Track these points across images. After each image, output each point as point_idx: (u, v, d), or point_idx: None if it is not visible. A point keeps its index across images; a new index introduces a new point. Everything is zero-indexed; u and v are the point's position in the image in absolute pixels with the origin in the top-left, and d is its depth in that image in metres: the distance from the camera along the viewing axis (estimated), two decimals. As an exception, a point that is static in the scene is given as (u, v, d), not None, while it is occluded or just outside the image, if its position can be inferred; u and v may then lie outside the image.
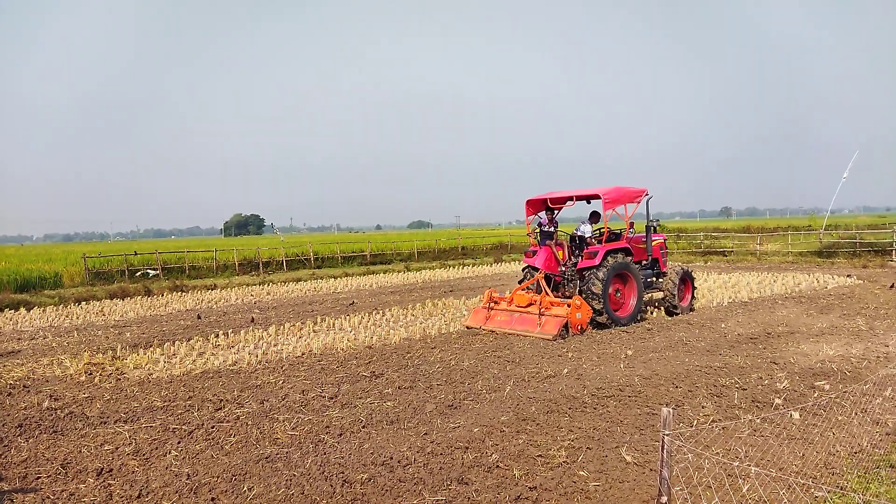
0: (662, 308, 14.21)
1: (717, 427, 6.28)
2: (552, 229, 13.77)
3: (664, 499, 3.44)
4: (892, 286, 17.36)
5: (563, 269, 13.44)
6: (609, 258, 12.44)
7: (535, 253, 13.40)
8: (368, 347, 11.12)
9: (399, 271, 28.89)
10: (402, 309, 15.71)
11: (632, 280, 12.87)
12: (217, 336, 12.61)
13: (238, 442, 6.45)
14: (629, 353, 9.93)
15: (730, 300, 15.65)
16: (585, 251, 12.80)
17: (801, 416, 6.56)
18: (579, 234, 13.52)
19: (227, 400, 7.99)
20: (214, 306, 18.33)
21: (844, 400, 6.92)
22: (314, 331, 13.09)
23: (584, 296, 12.14)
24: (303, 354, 10.69)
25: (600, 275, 12.09)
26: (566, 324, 11.49)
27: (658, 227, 14.65)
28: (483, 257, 36.91)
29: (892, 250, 26.98)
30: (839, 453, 5.60)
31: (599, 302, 12.00)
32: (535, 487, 5.12)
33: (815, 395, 7.35)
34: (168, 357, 10.87)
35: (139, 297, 21.08)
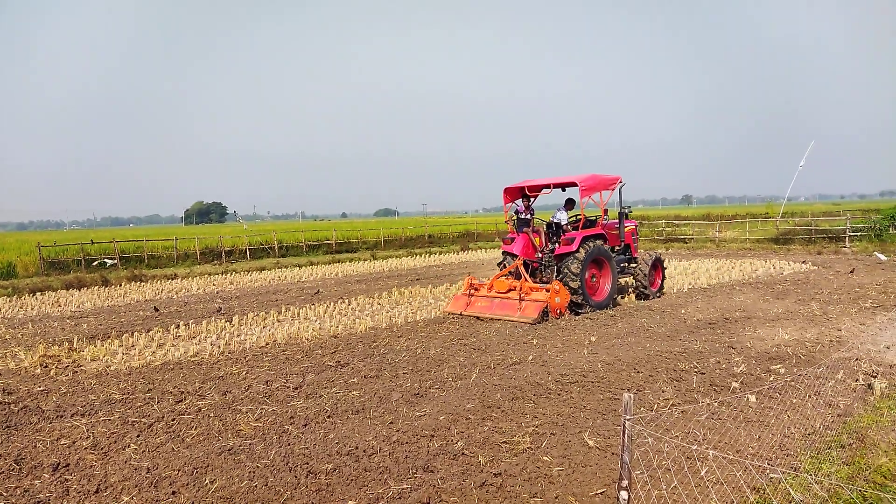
0: (633, 292, 14.62)
1: (676, 411, 6.43)
2: (529, 216, 14.02)
3: (625, 483, 3.50)
4: (851, 271, 17.95)
5: (541, 255, 13.75)
6: (586, 244, 12.72)
7: (513, 240, 13.65)
8: (334, 337, 11.04)
9: (365, 260, 28.73)
10: (368, 298, 15.64)
11: (607, 265, 13.23)
12: (178, 327, 12.37)
13: (199, 434, 6.35)
14: (593, 339, 10.08)
15: (690, 286, 16.00)
16: (563, 237, 13.09)
17: (757, 399, 6.76)
18: (556, 221, 13.81)
19: (188, 392, 7.85)
20: (175, 296, 17.96)
21: (799, 383, 7.15)
22: (278, 320, 12.94)
23: (562, 281, 12.41)
24: (267, 345, 10.56)
25: (576, 261, 12.39)
26: (546, 308, 11.81)
27: (629, 214, 15.00)
28: (450, 245, 36.96)
29: (845, 237, 27.92)
30: (793, 435, 5.79)
31: (577, 287, 12.31)
32: (500, 474, 5.17)
33: (771, 379, 7.57)
34: (126, 349, 10.61)
35: (96, 288, 20.50)
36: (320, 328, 11.71)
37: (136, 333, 11.74)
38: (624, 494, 3.56)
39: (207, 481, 5.19)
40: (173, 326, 12.37)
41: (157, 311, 14.81)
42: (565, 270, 12.49)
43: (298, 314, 13.55)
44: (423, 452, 5.65)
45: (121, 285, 20.96)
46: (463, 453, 5.61)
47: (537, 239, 13.98)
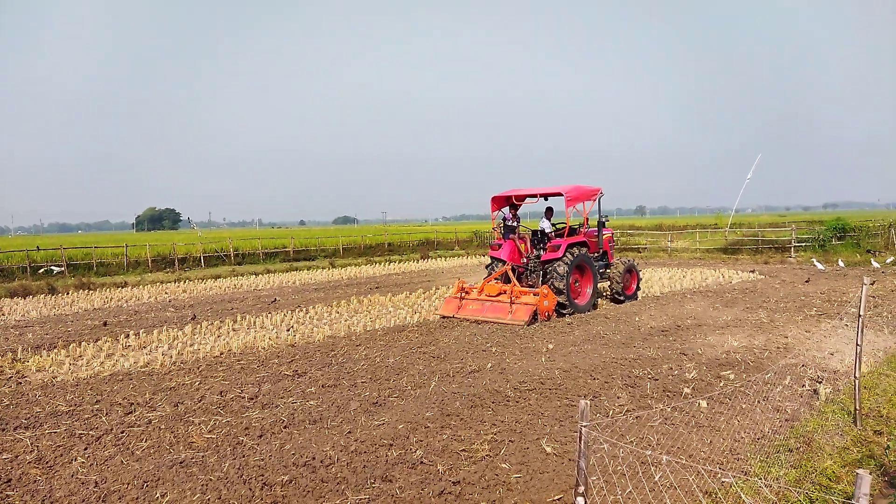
0: (609, 296, 15.50)
1: (631, 417, 6.55)
2: (515, 224, 14.74)
3: (581, 489, 3.55)
4: (807, 281, 18.60)
5: (526, 260, 14.41)
6: (571, 251, 13.49)
7: (500, 246, 14.26)
8: (291, 346, 10.89)
9: (323, 268, 28.43)
10: (326, 306, 15.47)
11: (589, 271, 14.08)
12: (128, 336, 11.99)
13: (150, 447, 6.16)
14: (550, 346, 10.20)
15: (643, 294, 16.35)
16: (549, 244, 13.81)
17: (708, 404, 6.94)
18: (541, 228, 14.66)
19: (138, 403, 7.61)
20: (125, 305, 17.42)
21: (748, 389, 7.37)
22: (233, 329, 12.68)
23: (549, 285, 13.10)
24: (221, 354, 10.34)
25: (562, 267, 13.15)
26: (535, 311, 12.39)
27: (606, 223, 15.73)
28: (410, 253, 36.87)
29: (790, 247, 29.00)
30: (743, 439, 5.97)
31: (563, 291, 13.05)
32: (459, 482, 5.17)
33: (721, 385, 7.80)
34: (74, 359, 10.24)
35: (42, 296, 19.73)
36: (277, 337, 11.52)
37: (83, 343, 11.35)
38: (580, 501, 3.61)
39: (158, 495, 5.04)
40: (123, 336, 11.99)
41: (106, 326, 14.00)
42: (552, 275, 13.17)
43: (255, 323, 13.31)
44: (381, 462, 5.61)
45: (68, 293, 20.22)
46: (422, 462, 5.60)
47: (523, 245, 14.62)
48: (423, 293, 17.31)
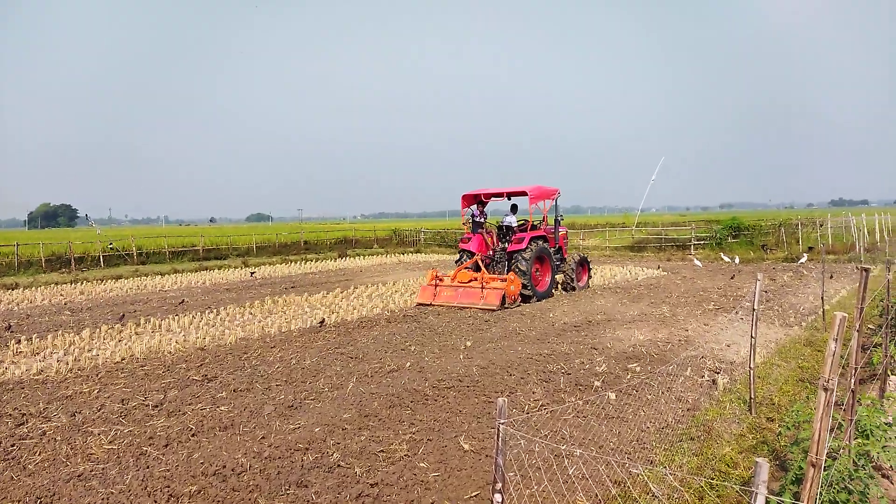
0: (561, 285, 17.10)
1: (546, 411, 6.72)
2: (483, 220, 16.41)
3: (499, 485, 3.59)
4: (732, 277, 19.68)
5: (492, 252, 16.21)
6: (533, 244, 15.19)
7: (469, 239, 16.01)
8: (200, 349, 10.42)
9: (236, 267, 27.41)
10: (238, 307, 14.93)
11: (548, 262, 16.00)
12: (19, 342, 11.08)
13: (44, 460, 5.72)
14: (468, 344, 10.31)
15: (557, 292, 16.84)
16: (514, 237, 15.65)
17: (616, 396, 7.23)
18: (506, 223, 16.55)
19: (30, 414, 7.05)
20: (16, 308, 16.10)
21: (653, 380, 7.74)
22: (136, 333, 11.99)
23: (515, 271, 14.79)
24: (123, 360, 9.75)
25: (526, 256, 14.89)
26: (504, 295, 14.00)
27: (562, 221, 17.42)
28: (327, 252, 36.23)
29: (691, 245, 30.76)
30: (649, 429, 6.25)
31: (527, 277, 14.73)
32: (377, 483, 5.12)
33: (629, 377, 8.15)
34: (-48, 369, 9.35)
35: (-86, 300, 17.91)
36: (185, 340, 11.00)
37: (-36, 351, 10.38)
38: (498, 497, 3.65)
39: (51, 514, 4.68)
40: (14, 342, 11.07)
41: (11, 331, 12.78)
42: (517, 264, 14.84)
43: (160, 326, 12.64)
44: (296, 467, 5.47)
45: (-54, 297, 18.44)
46: (339, 465, 5.50)
47: (489, 238, 16.42)
48: (342, 293, 17.06)
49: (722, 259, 25.76)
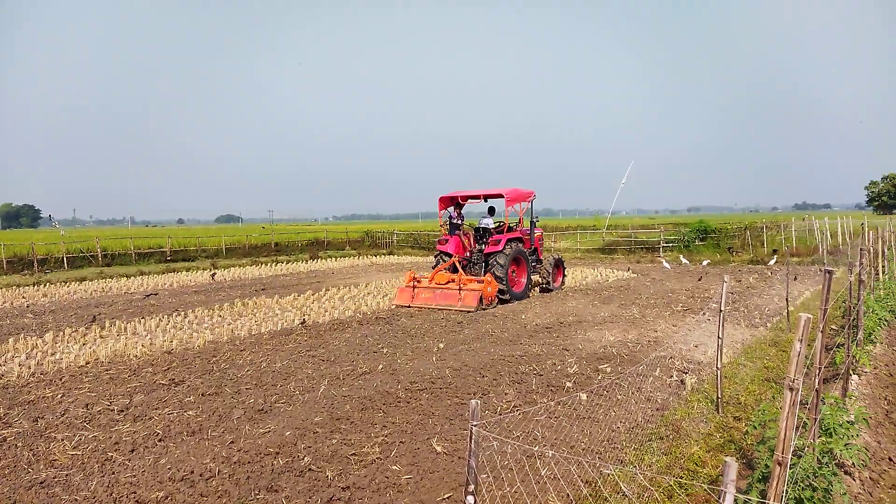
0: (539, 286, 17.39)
1: (518, 413, 6.74)
2: (460, 222, 16.54)
3: (472, 487, 3.59)
4: (699, 279, 19.98)
5: (469, 253, 16.31)
6: (509, 245, 15.36)
7: (446, 241, 16.03)
8: (167, 353, 10.22)
9: (204, 269, 26.95)
10: (207, 310, 14.68)
11: (524, 263, 16.18)
12: (-25, 347, 10.72)
13: (5, 467, 5.55)
14: (441, 346, 10.29)
15: (532, 293, 16.93)
16: (491, 239, 15.80)
17: (587, 397, 7.29)
18: (483, 225, 16.64)
19: (-13, 421, 6.83)
20: (-28, 311, 15.59)
21: (623, 381, 7.82)
22: (101, 336, 11.70)
23: (492, 273, 14.93)
24: (87, 364, 9.51)
25: (502, 260, 14.99)
26: (481, 296, 14.09)
27: (537, 223, 17.57)
28: (298, 254, 35.87)
29: (659, 248, 31.22)
30: (619, 429, 6.31)
31: (503, 279, 14.85)
32: (348, 487, 5.07)
33: (599, 378, 8.22)
34: None
35: None
36: (151, 343, 10.78)
37: (-82, 356, 10.01)
38: (471, 499, 3.64)
39: (10, 524, 4.53)
40: (-31, 346, 10.71)
41: None
42: (494, 265, 15.01)
43: (126, 329, 12.36)
44: (266, 471, 5.39)
45: None
46: (310, 469, 5.43)
47: (467, 240, 16.50)
48: (313, 294, 16.89)
49: (680, 261, 26.40)
